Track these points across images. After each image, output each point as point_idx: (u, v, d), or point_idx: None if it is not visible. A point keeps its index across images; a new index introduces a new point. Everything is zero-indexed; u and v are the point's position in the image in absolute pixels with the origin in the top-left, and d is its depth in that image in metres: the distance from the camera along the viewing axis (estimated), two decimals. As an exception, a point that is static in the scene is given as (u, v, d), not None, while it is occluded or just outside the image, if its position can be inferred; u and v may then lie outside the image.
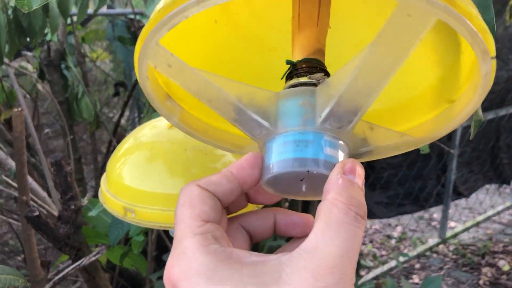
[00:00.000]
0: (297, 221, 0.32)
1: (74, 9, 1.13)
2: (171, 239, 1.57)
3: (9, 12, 1.06)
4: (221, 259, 0.25)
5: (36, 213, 0.93)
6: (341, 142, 0.29)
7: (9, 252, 2.12)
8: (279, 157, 0.29)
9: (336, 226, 0.24)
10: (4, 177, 1.15)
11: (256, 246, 1.56)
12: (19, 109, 1.01)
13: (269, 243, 1.41)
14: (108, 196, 0.55)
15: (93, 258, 0.81)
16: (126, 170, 0.54)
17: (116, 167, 0.55)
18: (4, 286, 0.52)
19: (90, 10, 1.40)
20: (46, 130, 1.32)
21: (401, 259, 2.80)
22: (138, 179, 0.52)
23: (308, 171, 0.28)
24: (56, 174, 0.99)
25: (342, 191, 0.26)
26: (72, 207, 0.99)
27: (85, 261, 0.80)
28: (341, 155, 0.29)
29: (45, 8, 1.04)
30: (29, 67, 1.69)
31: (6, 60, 1.24)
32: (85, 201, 1.01)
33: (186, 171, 0.52)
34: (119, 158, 0.56)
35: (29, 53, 1.57)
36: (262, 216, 0.32)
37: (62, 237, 0.99)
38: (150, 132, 0.57)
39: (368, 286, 1.40)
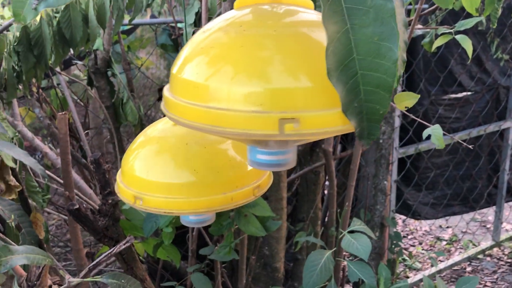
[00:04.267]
0: None
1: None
2: (210, 235, 1.64)
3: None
4: None
5: (76, 206, 1.02)
6: None
7: (65, 246, 2.28)
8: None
9: None
10: (52, 175, 1.26)
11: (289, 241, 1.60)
12: (63, 112, 1.11)
13: (301, 239, 1.45)
14: (121, 186, 0.62)
15: (123, 247, 0.88)
16: (136, 162, 0.60)
17: (128, 160, 0.62)
18: (33, 263, 0.60)
19: (135, 21, 1.50)
20: (86, 131, 1.43)
21: (451, 261, 2.74)
22: (145, 170, 0.58)
23: None
24: (96, 171, 1.09)
25: None
26: (110, 201, 1.08)
27: (115, 249, 0.88)
28: None
29: (85, 19, 1.14)
30: (81, 75, 1.82)
31: (57, 69, 1.36)
32: (121, 196, 1.09)
33: (187, 163, 0.58)
34: (131, 152, 0.63)
35: (80, 62, 1.69)
36: None
37: (101, 229, 1.08)
38: (158, 128, 0.63)
39: (402, 284, 1.40)
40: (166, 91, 0.45)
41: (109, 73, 1.65)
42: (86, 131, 1.42)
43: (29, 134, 1.35)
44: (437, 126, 0.96)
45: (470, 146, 1.28)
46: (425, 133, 0.94)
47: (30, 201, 1.18)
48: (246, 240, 1.34)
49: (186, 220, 0.67)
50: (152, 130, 0.64)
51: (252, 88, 0.40)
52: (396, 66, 0.38)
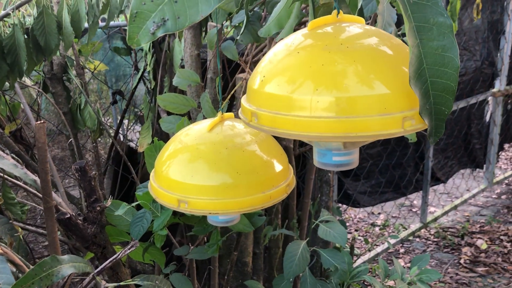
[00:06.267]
0: None
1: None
2: (174, 235, 1.66)
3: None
4: None
5: (68, 216, 1.01)
6: None
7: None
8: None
9: None
10: (22, 185, 1.23)
11: (258, 235, 1.66)
12: (42, 121, 1.09)
13: (270, 232, 1.52)
14: (160, 191, 0.65)
15: (128, 252, 0.90)
16: (177, 168, 0.64)
17: (165, 166, 0.65)
18: (79, 271, 0.61)
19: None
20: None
21: (386, 245, 2.95)
22: (189, 175, 0.62)
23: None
24: (81, 179, 1.08)
25: None
26: (98, 208, 1.08)
27: (121, 254, 0.89)
28: None
29: (59, 26, 1.13)
30: (27, 81, 1.75)
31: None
32: (108, 202, 1.10)
33: (229, 166, 0.62)
34: (167, 159, 0.66)
35: (29, 67, 1.63)
36: None
37: (90, 237, 1.08)
38: (191, 136, 0.67)
39: (363, 267, 1.52)
40: (260, 110, 0.50)
41: (64, 78, 1.61)
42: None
43: (-10, 144, 1.30)
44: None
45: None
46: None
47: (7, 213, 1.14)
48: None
49: (215, 220, 0.71)
50: (186, 138, 0.67)
51: (377, 94, 0.46)
52: (458, 73, 0.46)
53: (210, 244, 1.14)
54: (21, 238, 1.03)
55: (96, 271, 0.89)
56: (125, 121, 2.10)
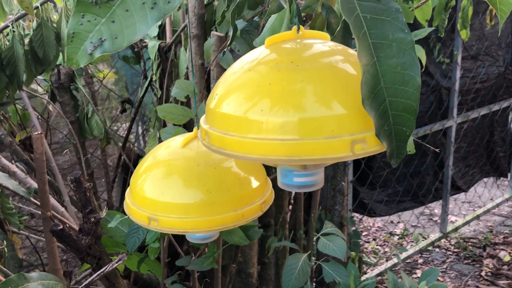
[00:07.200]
0: None
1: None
2: (181, 245, 1.65)
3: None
4: None
5: (61, 227, 1.01)
6: None
7: (26, 266, 2.21)
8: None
9: None
10: (24, 195, 1.24)
11: (262, 247, 1.64)
12: (39, 132, 1.10)
13: (274, 244, 1.50)
14: (133, 208, 0.64)
15: (116, 265, 0.89)
16: (148, 184, 0.62)
17: (139, 182, 0.64)
18: (48, 289, 0.61)
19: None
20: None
21: (404, 254, 2.88)
22: (159, 192, 0.61)
23: None
24: (76, 190, 1.08)
25: None
26: (92, 219, 1.08)
27: (108, 268, 0.89)
28: None
29: (58, 37, 1.13)
30: (39, 89, 1.78)
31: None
32: (103, 213, 1.10)
33: (200, 183, 0.61)
34: (141, 175, 0.65)
35: (39, 77, 1.66)
36: None
37: (84, 248, 1.08)
38: (166, 151, 0.66)
39: (370, 281, 1.48)
40: (211, 129, 0.49)
41: (72, 87, 1.63)
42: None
43: (-5, 153, 1.32)
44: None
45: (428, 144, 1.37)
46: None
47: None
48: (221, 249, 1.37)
49: (193, 237, 0.69)
50: (160, 153, 0.66)
51: (324, 116, 0.44)
52: (419, 91, 0.44)
53: (206, 256, 1.13)
54: (16, 248, 1.03)
55: (83, 285, 0.89)
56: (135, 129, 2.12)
